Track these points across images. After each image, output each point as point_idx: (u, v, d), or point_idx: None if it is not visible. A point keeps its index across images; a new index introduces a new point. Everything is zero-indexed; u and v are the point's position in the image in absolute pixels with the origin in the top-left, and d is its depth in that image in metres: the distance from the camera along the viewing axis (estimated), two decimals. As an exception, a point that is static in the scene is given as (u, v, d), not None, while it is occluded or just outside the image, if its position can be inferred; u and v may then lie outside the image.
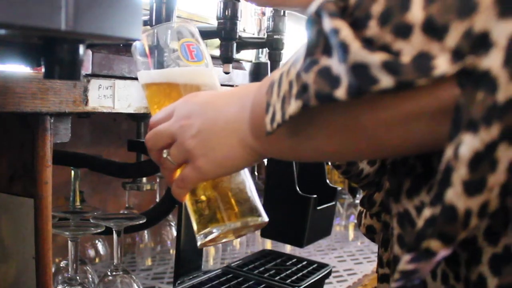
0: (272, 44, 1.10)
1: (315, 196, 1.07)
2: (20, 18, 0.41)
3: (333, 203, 1.16)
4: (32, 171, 0.74)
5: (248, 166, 0.67)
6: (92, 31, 0.44)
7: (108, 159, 1.08)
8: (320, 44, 0.41)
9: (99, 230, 0.96)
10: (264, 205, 1.12)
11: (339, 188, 1.19)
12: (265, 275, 1.11)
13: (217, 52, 1.03)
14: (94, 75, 0.81)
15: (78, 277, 0.97)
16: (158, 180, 1.33)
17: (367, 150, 0.47)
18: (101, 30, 0.45)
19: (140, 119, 1.13)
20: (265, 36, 1.11)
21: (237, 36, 0.99)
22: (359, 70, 0.38)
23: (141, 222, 1.02)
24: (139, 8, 0.49)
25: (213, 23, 1.01)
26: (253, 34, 1.25)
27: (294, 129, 0.49)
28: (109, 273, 1.02)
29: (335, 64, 0.39)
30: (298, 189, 1.06)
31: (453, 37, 0.35)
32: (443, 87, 0.36)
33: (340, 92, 0.39)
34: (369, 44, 0.38)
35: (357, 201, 1.73)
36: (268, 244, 1.57)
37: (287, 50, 1.13)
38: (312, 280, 1.11)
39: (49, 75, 0.49)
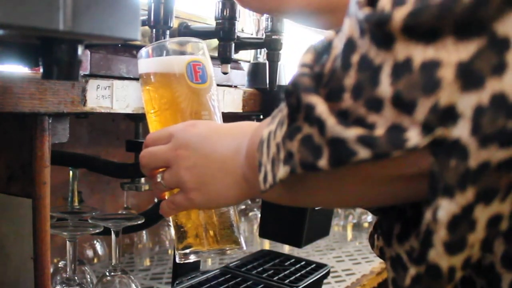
0: (270, 44, 1.10)
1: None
2: (18, 18, 0.40)
3: (332, 203, 1.16)
4: (30, 171, 0.74)
5: (239, 203, 0.70)
6: (91, 31, 0.44)
7: (106, 159, 1.08)
8: (301, 111, 0.43)
9: (97, 231, 0.96)
10: (262, 205, 1.12)
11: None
12: (264, 275, 1.11)
13: (215, 53, 1.03)
14: (92, 75, 0.81)
15: (76, 278, 0.97)
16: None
17: (357, 203, 0.52)
18: (100, 30, 0.45)
19: (138, 119, 1.13)
20: (264, 37, 1.11)
21: (236, 37, 0.98)
22: (337, 144, 0.40)
23: (139, 222, 1.02)
24: (137, 8, 0.49)
25: (212, 23, 1.01)
26: (252, 34, 1.25)
27: (286, 186, 0.50)
28: (107, 274, 1.02)
29: (316, 134, 0.41)
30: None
31: (421, 112, 0.36)
32: (418, 155, 0.38)
33: (323, 163, 0.41)
34: (345, 117, 0.40)
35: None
36: (267, 245, 1.57)
37: (285, 50, 1.13)
38: (311, 280, 1.11)
39: (48, 76, 0.49)
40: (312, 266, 1.19)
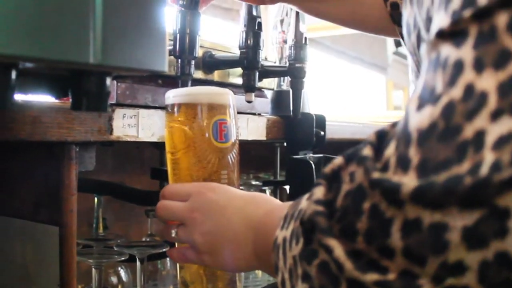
0: (294, 72, 1.11)
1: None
2: (49, 52, 0.42)
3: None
4: (57, 199, 0.75)
5: (247, 271, 0.74)
6: (119, 64, 0.45)
7: (131, 187, 1.09)
8: (316, 235, 0.46)
9: (122, 258, 0.96)
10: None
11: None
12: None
13: (239, 81, 1.04)
14: (118, 105, 0.82)
15: (101, 305, 0.97)
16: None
17: None
18: (128, 62, 0.46)
19: (163, 147, 1.14)
20: (287, 65, 1.12)
21: (259, 65, 0.99)
22: (355, 285, 0.42)
23: (164, 250, 1.03)
24: (164, 40, 0.50)
25: (236, 52, 1.02)
26: (275, 62, 1.26)
27: None
28: (132, 301, 1.02)
29: (333, 266, 0.44)
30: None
31: (431, 267, 0.39)
32: None
33: None
34: (359, 257, 0.43)
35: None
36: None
37: (308, 78, 1.13)
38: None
39: (77, 107, 0.50)
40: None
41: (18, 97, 0.68)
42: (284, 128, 1.16)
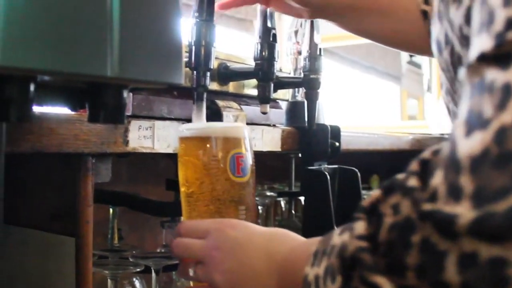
0: (308, 83, 1.11)
1: None
2: (67, 66, 0.42)
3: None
4: (73, 210, 0.75)
5: None
6: (136, 77, 0.45)
7: (146, 198, 1.09)
8: (356, 272, 0.44)
9: (138, 269, 0.97)
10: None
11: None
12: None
13: (254, 92, 1.04)
14: (134, 116, 0.82)
15: (116, 316, 0.97)
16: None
17: None
18: (145, 75, 0.46)
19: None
20: (302, 76, 1.12)
21: (274, 77, 0.99)
22: None
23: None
24: (180, 53, 0.50)
25: (250, 63, 1.02)
26: (289, 73, 1.26)
27: None
28: (146, 312, 1.02)
29: None
30: (336, 227, 1.06)
31: None
32: None
33: None
34: None
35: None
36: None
37: (323, 89, 1.13)
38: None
39: (94, 119, 0.50)
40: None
41: (35, 108, 0.69)
42: (299, 139, 1.16)
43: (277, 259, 0.64)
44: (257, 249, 0.67)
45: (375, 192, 0.47)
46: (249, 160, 0.77)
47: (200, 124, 0.82)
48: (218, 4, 0.92)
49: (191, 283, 0.78)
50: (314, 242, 0.56)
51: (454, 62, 0.57)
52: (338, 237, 0.49)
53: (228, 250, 0.67)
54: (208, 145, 0.75)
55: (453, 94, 0.63)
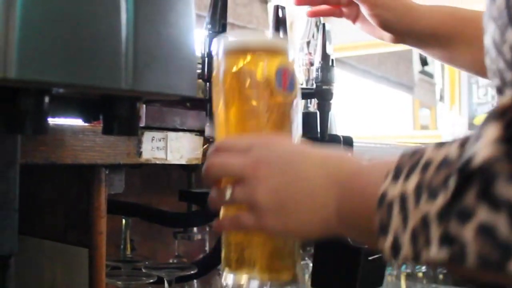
0: (321, 94, 1.11)
1: (366, 246, 1.05)
2: (82, 79, 0.42)
3: (384, 253, 1.14)
4: (86, 221, 0.76)
5: (319, 239, 0.62)
6: (151, 89, 0.46)
7: (159, 209, 1.10)
8: (473, 187, 0.38)
9: (151, 280, 0.97)
10: (314, 255, 1.11)
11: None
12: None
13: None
14: (147, 128, 0.83)
15: (129, 326, 0.97)
16: (207, 229, 1.33)
17: None
18: (159, 88, 0.46)
19: (190, 170, 1.14)
20: (314, 86, 1.12)
21: (287, 87, 0.99)
22: None
23: (192, 272, 1.03)
24: (194, 66, 0.50)
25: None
26: (301, 83, 1.26)
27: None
28: (159, 323, 1.02)
29: (503, 226, 0.36)
30: (348, 239, 1.05)
31: None
32: None
33: None
34: None
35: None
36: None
37: (336, 99, 1.13)
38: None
39: (108, 131, 0.51)
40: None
41: (49, 120, 0.69)
42: (311, 150, 1.15)
43: (340, 177, 0.54)
44: (314, 164, 0.56)
45: (504, 98, 0.40)
46: (295, 75, 0.68)
47: (240, 36, 0.72)
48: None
49: (222, 212, 0.66)
50: (388, 162, 0.48)
51: (510, 5, 0.51)
52: (443, 149, 0.43)
53: (275, 164, 0.57)
54: (250, 57, 0.66)
55: (501, 46, 0.54)
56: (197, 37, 0.52)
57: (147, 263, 1.02)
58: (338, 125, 1.38)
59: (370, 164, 0.54)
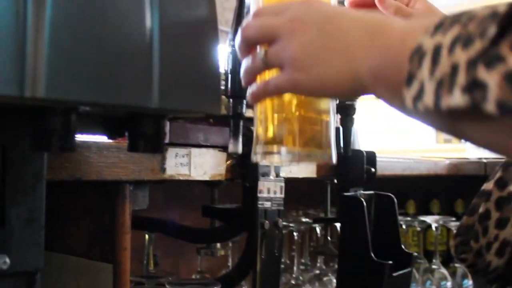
0: (344, 109, 1.10)
1: (390, 262, 1.05)
2: (110, 97, 0.43)
3: (409, 269, 1.13)
4: (111, 237, 0.76)
5: (348, 97, 0.60)
6: (177, 107, 0.46)
7: (182, 225, 1.10)
8: (509, 36, 0.37)
9: (174, 296, 0.97)
10: (338, 272, 1.11)
11: (415, 254, 1.16)
12: None
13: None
14: (171, 144, 0.83)
15: None
16: (230, 244, 1.33)
17: None
18: (185, 105, 0.47)
19: (214, 186, 1.15)
20: (337, 102, 1.11)
21: (310, 103, 0.99)
22: None
23: (215, 287, 1.03)
24: (218, 84, 0.51)
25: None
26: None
27: (452, 116, 0.43)
28: (183, 338, 1.02)
29: None
30: (372, 255, 1.05)
31: None
32: None
33: None
34: None
35: (434, 266, 1.67)
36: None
37: (358, 115, 1.13)
38: None
39: (134, 148, 0.51)
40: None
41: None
42: (335, 166, 1.15)
43: (378, 31, 0.52)
44: (352, 19, 0.55)
45: None
46: None
47: None
48: None
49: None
50: (431, 19, 0.46)
51: None
52: (491, 7, 0.41)
53: (314, 22, 0.55)
54: None
55: None
56: (220, 53, 0.53)
57: (170, 278, 1.02)
58: (361, 140, 1.38)
59: (411, 21, 0.53)
